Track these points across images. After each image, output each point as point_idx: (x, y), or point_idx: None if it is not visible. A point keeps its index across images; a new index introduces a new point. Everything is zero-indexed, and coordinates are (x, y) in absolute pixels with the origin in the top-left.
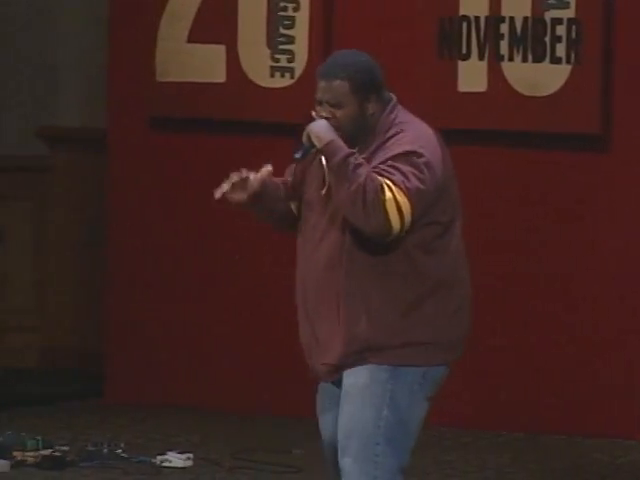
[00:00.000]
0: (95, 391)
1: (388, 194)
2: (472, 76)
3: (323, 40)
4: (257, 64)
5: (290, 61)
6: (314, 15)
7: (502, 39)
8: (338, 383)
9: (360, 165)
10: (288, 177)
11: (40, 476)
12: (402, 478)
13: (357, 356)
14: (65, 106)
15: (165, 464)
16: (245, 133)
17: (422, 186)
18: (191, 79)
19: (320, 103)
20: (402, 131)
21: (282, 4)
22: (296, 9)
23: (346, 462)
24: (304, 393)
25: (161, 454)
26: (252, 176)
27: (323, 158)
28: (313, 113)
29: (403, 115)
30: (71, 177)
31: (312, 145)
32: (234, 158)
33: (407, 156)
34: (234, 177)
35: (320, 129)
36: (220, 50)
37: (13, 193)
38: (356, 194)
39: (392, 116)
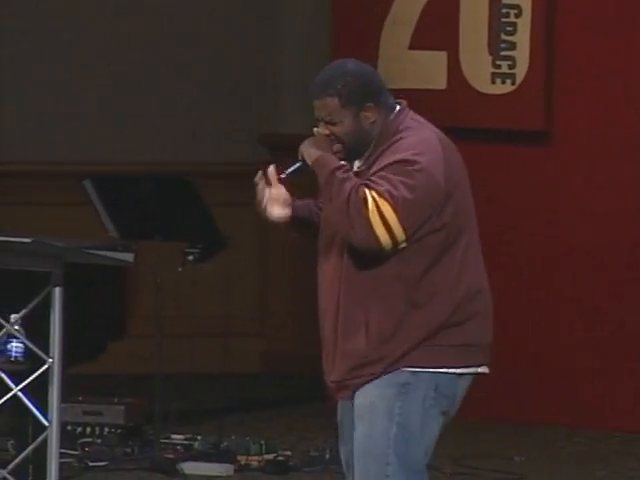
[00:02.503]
0: (317, 396)
1: (371, 206)
2: None
3: (545, 46)
4: (478, 70)
5: (511, 67)
6: (536, 21)
7: None
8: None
9: (346, 179)
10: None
11: None
12: None
13: (356, 372)
14: (287, 113)
15: None
16: (465, 140)
17: (410, 195)
18: (412, 86)
19: (319, 120)
20: (402, 138)
21: (504, 10)
22: (518, 15)
23: None
24: (528, 400)
25: None
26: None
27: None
28: (315, 130)
29: (410, 121)
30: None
31: (305, 163)
32: None
33: (399, 164)
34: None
35: (310, 146)
36: (441, 56)
37: (237, 200)
38: (340, 209)
39: (397, 122)
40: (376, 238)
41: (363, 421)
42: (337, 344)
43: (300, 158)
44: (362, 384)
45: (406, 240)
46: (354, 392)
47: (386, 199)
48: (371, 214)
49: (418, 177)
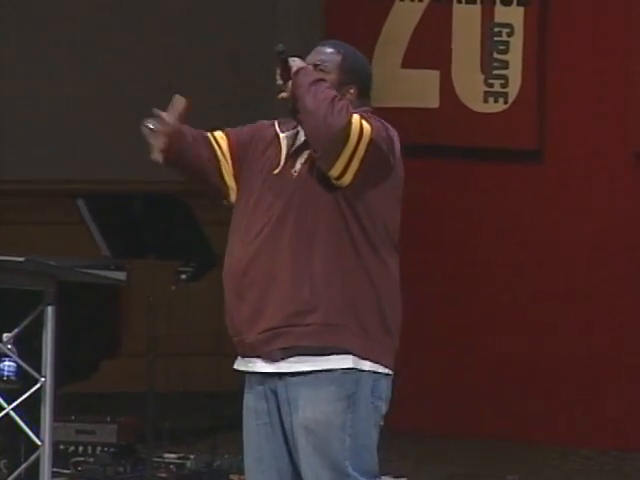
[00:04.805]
0: None
1: (355, 115)
2: None
3: (537, 65)
4: (471, 89)
5: (504, 86)
6: (528, 40)
7: None
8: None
9: (332, 89)
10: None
11: None
12: None
13: (296, 319)
14: None
15: None
16: (458, 158)
17: (384, 133)
18: (405, 104)
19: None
20: None
21: (496, 29)
22: (510, 34)
23: None
24: (521, 418)
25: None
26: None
27: (284, 137)
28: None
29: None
30: None
31: (284, 60)
32: (447, 183)
33: (375, 119)
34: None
35: (302, 61)
36: (434, 75)
37: (230, 219)
38: (324, 101)
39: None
40: (349, 131)
41: (317, 437)
42: (272, 291)
43: (281, 51)
44: (299, 337)
45: (354, 177)
46: (282, 356)
47: (367, 120)
48: (354, 118)
49: (387, 136)
